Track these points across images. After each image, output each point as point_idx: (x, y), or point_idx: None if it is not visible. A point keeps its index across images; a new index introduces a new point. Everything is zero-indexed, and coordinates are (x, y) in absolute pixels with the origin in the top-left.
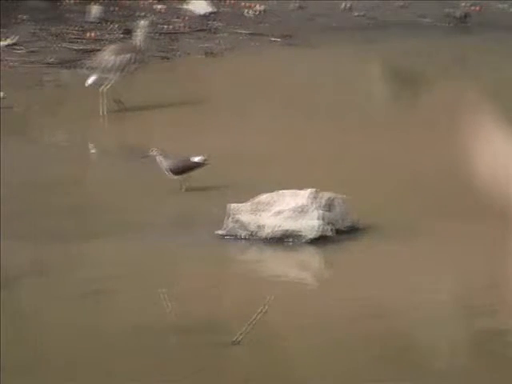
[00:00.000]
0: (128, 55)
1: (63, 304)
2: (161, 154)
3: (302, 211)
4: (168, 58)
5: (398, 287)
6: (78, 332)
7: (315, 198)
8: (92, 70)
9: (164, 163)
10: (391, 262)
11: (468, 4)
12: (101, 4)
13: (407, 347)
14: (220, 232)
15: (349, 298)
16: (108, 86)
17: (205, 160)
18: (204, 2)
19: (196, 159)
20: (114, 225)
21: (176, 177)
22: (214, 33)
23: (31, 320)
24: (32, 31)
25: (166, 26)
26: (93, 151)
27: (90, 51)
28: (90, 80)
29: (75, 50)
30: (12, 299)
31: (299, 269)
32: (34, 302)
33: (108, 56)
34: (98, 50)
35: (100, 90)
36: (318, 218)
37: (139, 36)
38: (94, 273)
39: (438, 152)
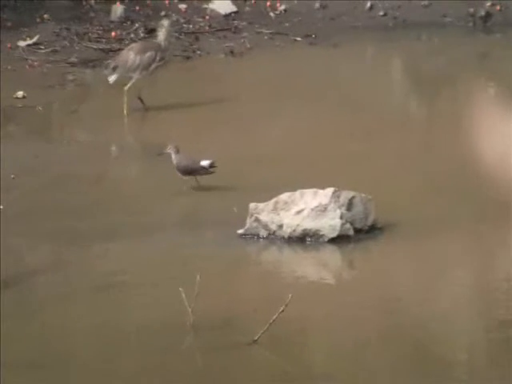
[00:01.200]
0: (150, 53)
1: (80, 299)
2: (175, 152)
3: (322, 210)
4: (190, 58)
5: (419, 286)
6: (96, 329)
7: (335, 197)
8: (115, 69)
9: (174, 162)
10: (411, 261)
11: (489, 3)
12: (124, 3)
13: (429, 345)
14: (241, 231)
15: (369, 296)
16: (131, 85)
17: (212, 164)
18: (227, 2)
19: (203, 163)
20: (132, 224)
21: (184, 177)
22: (237, 32)
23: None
24: (55, 30)
25: (188, 26)
26: (114, 150)
27: (113, 50)
28: (113, 78)
29: (98, 49)
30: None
31: (319, 268)
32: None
33: (131, 55)
34: (121, 50)
35: (124, 89)
36: (339, 218)
37: (161, 34)
38: (113, 269)
39: (459, 151)
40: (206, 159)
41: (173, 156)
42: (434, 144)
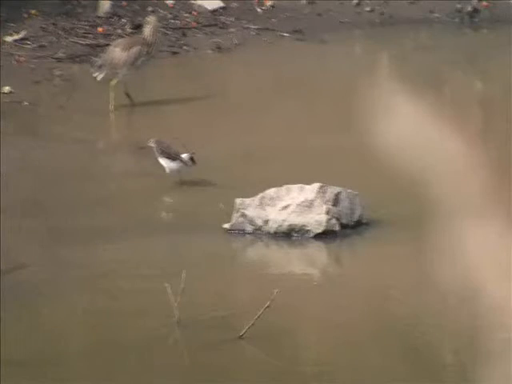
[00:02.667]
0: (136, 49)
1: (64, 297)
2: (157, 146)
3: (308, 206)
4: (177, 53)
5: (405, 281)
6: (81, 326)
7: (322, 192)
8: (101, 67)
9: (156, 155)
10: (397, 256)
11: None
12: None
13: (417, 342)
14: (227, 226)
15: (355, 292)
16: (117, 81)
17: (191, 156)
18: None
19: (183, 156)
20: (116, 220)
21: (168, 170)
22: (224, 28)
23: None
24: (42, 26)
25: (175, 21)
26: (100, 145)
27: (100, 46)
28: (100, 76)
29: (85, 44)
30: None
31: (305, 263)
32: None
33: (117, 52)
34: (108, 45)
35: (110, 84)
36: (325, 213)
37: (147, 29)
38: (98, 266)
39: (446, 147)
40: (187, 153)
41: (156, 149)
42: (422, 140)
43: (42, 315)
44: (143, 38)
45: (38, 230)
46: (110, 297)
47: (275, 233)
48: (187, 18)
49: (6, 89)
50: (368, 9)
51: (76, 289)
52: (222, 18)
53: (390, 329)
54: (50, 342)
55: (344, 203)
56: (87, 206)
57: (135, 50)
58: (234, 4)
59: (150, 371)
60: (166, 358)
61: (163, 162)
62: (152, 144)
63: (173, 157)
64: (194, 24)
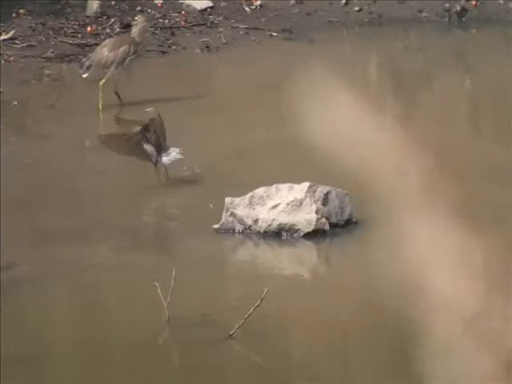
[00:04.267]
0: (124, 48)
1: (55, 298)
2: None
3: (297, 205)
4: (166, 53)
5: (395, 279)
6: (71, 325)
7: (311, 191)
8: (89, 67)
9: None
10: (387, 255)
11: None
12: None
13: (407, 339)
14: (216, 226)
15: (345, 291)
16: (106, 80)
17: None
18: None
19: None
20: (105, 218)
21: (155, 163)
22: (212, 27)
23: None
24: (30, 25)
25: (164, 21)
26: (88, 144)
27: (89, 45)
28: (88, 74)
29: (74, 44)
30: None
31: (295, 263)
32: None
33: (104, 52)
34: (97, 45)
35: (99, 84)
36: (314, 212)
37: (135, 28)
38: (87, 265)
39: (441, 146)
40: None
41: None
42: (410, 139)
43: (30, 313)
44: (131, 37)
45: (25, 229)
46: (99, 296)
47: (265, 232)
48: (176, 17)
49: None
50: (357, 8)
51: (65, 287)
52: (211, 18)
53: (379, 327)
54: (42, 341)
55: (334, 202)
56: (75, 205)
57: (123, 49)
58: (223, 3)
59: (139, 371)
60: (155, 357)
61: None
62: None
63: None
64: (183, 23)
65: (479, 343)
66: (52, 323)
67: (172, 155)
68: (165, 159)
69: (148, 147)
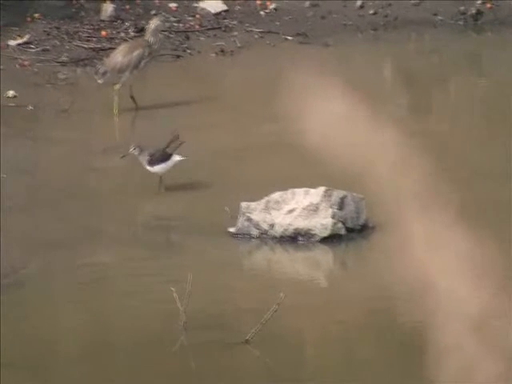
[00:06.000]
0: (138, 52)
1: (65, 301)
2: (139, 151)
3: (313, 210)
4: (180, 57)
5: (411, 285)
6: (85, 329)
7: (327, 196)
8: (105, 73)
9: (142, 158)
10: (403, 260)
11: (480, 1)
12: (114, 2)
13: (422, 344)
14: (232, 230)
15: (361, 296)
16: (121, 85)
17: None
18: (217, 1)
19: (177, 157)
20: (119, 224)
21: (156, 170)
22: (227, 31)
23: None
24: (45, 30)
25: (178, 25)
26: (102, 149)
27: (104, 50)
28: (103, 80)
29: (88, 48)
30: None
31: (311, 267)
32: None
33: (119, 57)
34: (112, 49)
35: (114, 88)
36: (330, 217)
37: (149, 31)
38: (102, 270)
39: (445, 149)
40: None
41: (140, 154)
42: (426, 143)
43: (47, 317)
44: (145, 40)
45: (34, 233)
46: (116, 300)
47: (281, 237)
48: (190, 21)
49: (10, 93)
50: (371, 11)
51: (79, 292)
52: (226, 21)
53: (393, 332)
54: (58, 345)
55: (350, 207)
56: (87, 209)
57: (137, 53)
58: (238, 7)
59: (156, 375)
60: (171, 361)
61: (153, 168)
62: (134, 151)
63: (161, 159)
64: (198, 27)
65: (490, 345)
66: (66, 327)
67: (173, 161)
68: (165, 165)
69: (151, 166)
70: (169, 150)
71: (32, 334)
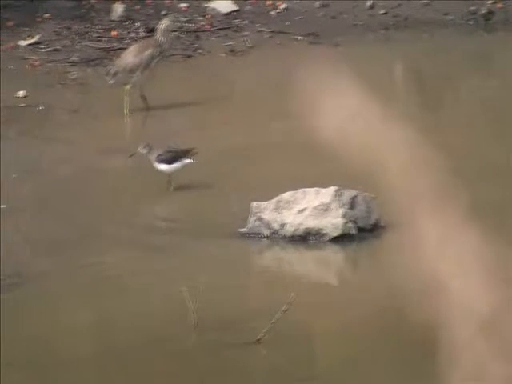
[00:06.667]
0: (148, 52)
1: (78, 300)
2: (149, 149)
3: (324, 209)
4: (191, 57)
5: (423, 284)
6: (97, 329)
7: (338, 195)
8: (116, 74)
9: (152, 156)
10: (414, 260)
11: (491, 1)
12: (124, 3)
13: (435, 345)
14: (243, 230)
15: (372, 295)
16: (131, 85)
17: (191, 152)
18: (228, 1)
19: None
20: (130, 225)
21: (165, 169)
22: (237, 31)
23: None
24: (56, 30)
25: (189, 25)
26: (113, 149)
27: (114, 50)
28: (114, 81)
29: (99, 48)
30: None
31: (322, 267)
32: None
33: (129, 58)
34: (122, 49)
35: (125, 88)
36: (341, 216)
37: (159, 31)
38: (115, 270)
39: (461, 151)
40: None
41: (149, 153)
42: (434, 144)
43: (56, 316)
44: (155, 40)
45: (43, 233)
46: (125, 299)
47: (292, 236)
48: (201, 21)
49: (21, 93)
50: (382, 11)
51: (90, 292)
52: (236, 21)
53: (405, 332)
54: (71, 345)
55: (360, 206)
56: (96, 209)
57: (148, 53)
58: (248, 7)
59: (166, 375)
60: (182, 362)
61: (162, 167)
62: (142, 150)
63: (173, 158)
64: (208, 27)
65: (502, 345)
66: (76, 327)
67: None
68: (174, 166)
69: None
70: (180, 154)
71: (38, 334)
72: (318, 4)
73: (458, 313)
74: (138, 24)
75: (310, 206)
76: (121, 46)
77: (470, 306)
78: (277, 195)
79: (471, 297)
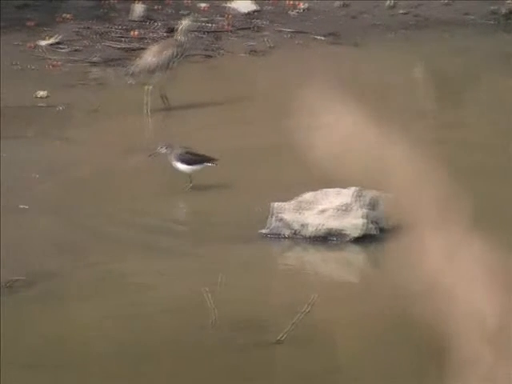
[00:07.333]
0: (168, 52)
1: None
2: (168, 149)
3: (345, 210)
4: (212, 57)
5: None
6: (117, 327)
7: (359, 196)
8: (136, 74)
9: (172, 156)
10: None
11: (511, 1)
12: (144, 3)
13: (456, 346)
14: (263, 231)
15: (394, 296)
16: (152, 85)
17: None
18: (248, 1)
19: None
20: (150, 225)
21: (185, 169)
22: (258, 31)
23: None
24: (76, 30)
25: (209, 25)
26: (133, 149)
27: (134, 50)
28: (134, 80)
29: (119, 48)
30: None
31: (343, 268)
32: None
33: (149, 58)
34: (142, 49)
35: (145, 88)
36: (362, 217)
37: (180, 31)
38: (134, 269)
39: (486, 150)
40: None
41: (168, 152)
42: (454, 143)
43: (76, 316)
44: (176, 40)
45: (61, 234)
46: (145, 298)
47: (312, 237)
48: (221, 21)
49: (42, 93)
50: (402, 11)
51: (111, 292)
52: (256, 21)
53: (425, 331)
54: (91, 344)
55: (382, 207)
56: (119, 209)
57: (168, 53)
58: (268, 7)
59: (185, 374)
60: (202, 361)
61: (182, 166)
62: (162, 149)
63: (194, 160)
64: (228, 27)
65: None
66: (98, 327)
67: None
68: (194, 167)
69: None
70: (201, 156)
71: (54, 333)
72: (338, 4)
73: (478, 317)
74: (157, 24)
75: (330, 207)
76: (141, 46)
77: (485, 306)
78: (295, 196)
79: (487, 298)
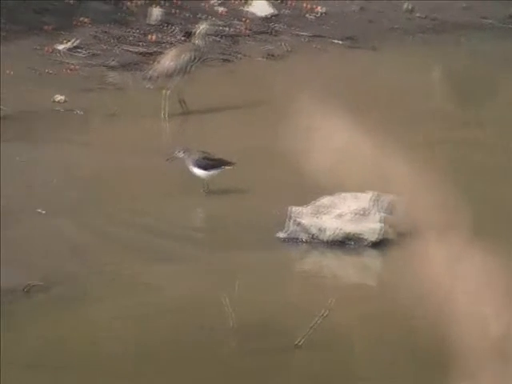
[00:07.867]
0: (185, 56)
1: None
2: (186, 153)
3: (363, 214)
4: (230, 61)
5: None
6: (136, 332)
7: (376, 200)
8: (154, 79)
9: (189, 160)
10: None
11: None
12: (162, 7)
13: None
14: (281, 235)
15: (411, 300)
16: (170, 89)
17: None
18: (265, 4)
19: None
20: (167, 228)
21: (202, 174)
22: (275, 35)
23: None
24: (93, 34)
25: (227, 29)
26: (151, 154)
27: (152, 54)
28: (152, 84)
29: (137, 52)
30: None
31: (361, 272)
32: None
33: (167, 62)
34: (159, 53)
35: (163, 92)
36: (380, 221)
37: (198, 35)
38: (152, 274)
39: (494, 152)
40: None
41: (186, 157)
42: (475, 149)
43: (100, 319)
44: (193, 44)
45: (79, 237)
46: (161, 302)
47: (330, 241)
48: (239, 25)
49: (59, 97)
50: (420, 15)
51: (128, 299)
52: (274, 25)
53: (442, 335)
54: (113, 344)
55: (399, 211)
56: (134, 211)
57: (186, 57)
58: (286, 11)
59: (203, 377)
60: (220, 365)
61: (199, 171)
62: (179, 154)
63: (211, 165)
64: (246, 31)
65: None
66: (116, 329)
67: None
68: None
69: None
70: (218, 160)
71: (70, 335)
72: (355, 7)
73: (495, 323)
74: (175, 28)
75: (348, 211)
76: (158, 50)
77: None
78: (312, 200)
79: (502, 301)
